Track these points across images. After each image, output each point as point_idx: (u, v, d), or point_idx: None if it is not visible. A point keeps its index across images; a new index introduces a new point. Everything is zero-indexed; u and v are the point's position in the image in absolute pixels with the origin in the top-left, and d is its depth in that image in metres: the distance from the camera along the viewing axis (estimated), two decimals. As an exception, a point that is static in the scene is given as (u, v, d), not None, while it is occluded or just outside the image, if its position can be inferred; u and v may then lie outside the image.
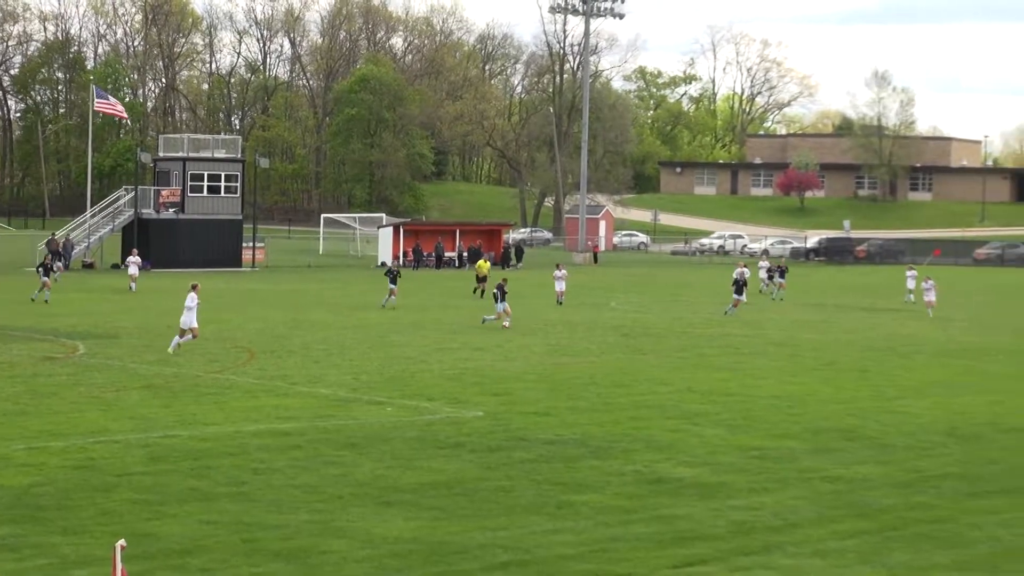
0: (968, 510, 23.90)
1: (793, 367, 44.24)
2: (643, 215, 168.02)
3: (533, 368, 42.38)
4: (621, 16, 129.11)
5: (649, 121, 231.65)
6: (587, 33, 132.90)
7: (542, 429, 31.00)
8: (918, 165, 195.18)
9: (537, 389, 37.63)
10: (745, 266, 70.23)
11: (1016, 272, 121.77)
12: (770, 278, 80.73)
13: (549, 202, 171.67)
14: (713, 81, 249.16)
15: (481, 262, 78.30)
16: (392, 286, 64.99)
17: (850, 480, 26.19)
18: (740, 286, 64.93)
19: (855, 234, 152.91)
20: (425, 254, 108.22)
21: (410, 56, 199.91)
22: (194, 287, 44.84)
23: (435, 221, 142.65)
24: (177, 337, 44.48)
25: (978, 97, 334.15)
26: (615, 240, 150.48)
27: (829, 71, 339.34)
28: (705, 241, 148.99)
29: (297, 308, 64.31)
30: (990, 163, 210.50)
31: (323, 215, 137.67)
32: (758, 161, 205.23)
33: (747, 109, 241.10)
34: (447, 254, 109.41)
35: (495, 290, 56.53)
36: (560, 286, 68.89)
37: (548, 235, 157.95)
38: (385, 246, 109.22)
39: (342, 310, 63.60)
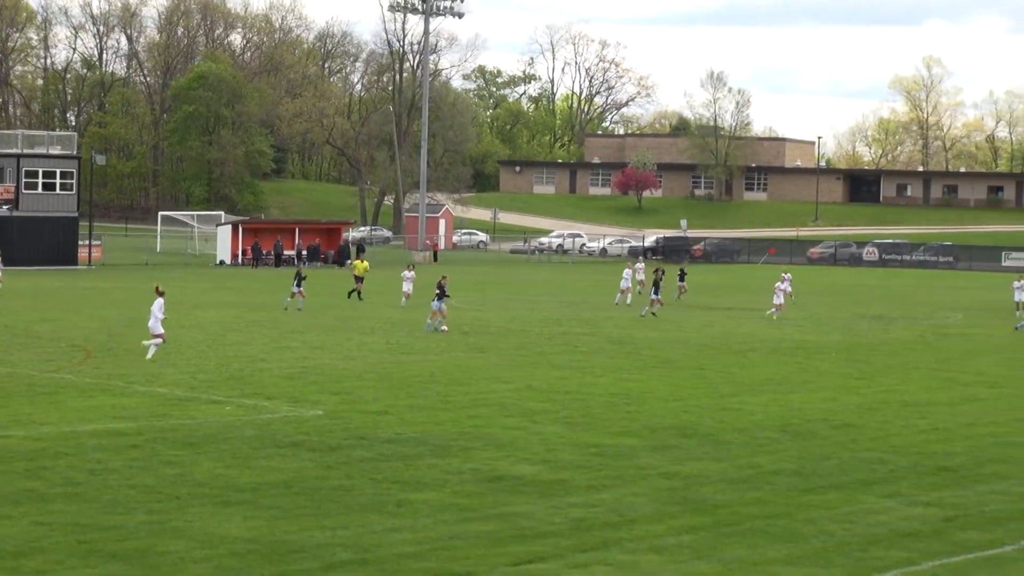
0: (802, 505, 24.26)
1: (631, 365, 44.59)
2: (483, 214, 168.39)
3: (373, 367, 42.29)
4: (461, 15, 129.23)
5: (489, 120, 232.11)
6: (427, 32, 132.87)
7: (382, 428, 30.95)
8: (753, 165, 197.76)
9: (377, 388, 37.56)
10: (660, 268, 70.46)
11: (848, 271, 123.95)
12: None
13: (389, 200, 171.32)
14: (552, 81, 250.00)
15: (358, 261, 75.02)
16: (297, 288, 63.37)
17: (686, 476, 26.46)
18: (657, 286, 65.47)
19: (692, 233, 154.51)
20: (264, 252, 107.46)
21: (249, 53, 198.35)
22: (161, 293, 43.83)
23: (274, 219, 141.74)
24: (159, 341, 43.34)
25: (812, 99, 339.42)
26: (455, 239, 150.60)
27: (667, 72, 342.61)
28: (544, 240, 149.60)
29: (134, 306, 63.47)
30: (823, 164, 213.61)
31: (161, 213, 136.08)
32: (597, 160, 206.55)
33: (586, 109, 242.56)
34: (286, 252, 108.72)
35: (436, 288, 54.82)
36: (407, 287, 68.24)
37: (388, 233, 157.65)
38: (224, 244, 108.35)
39: (180, 308, 62.91)
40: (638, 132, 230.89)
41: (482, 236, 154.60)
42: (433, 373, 40.96)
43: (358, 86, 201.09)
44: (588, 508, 23.56)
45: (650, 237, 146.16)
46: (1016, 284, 68.80)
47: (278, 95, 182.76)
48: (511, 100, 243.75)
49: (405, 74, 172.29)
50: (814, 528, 22.60)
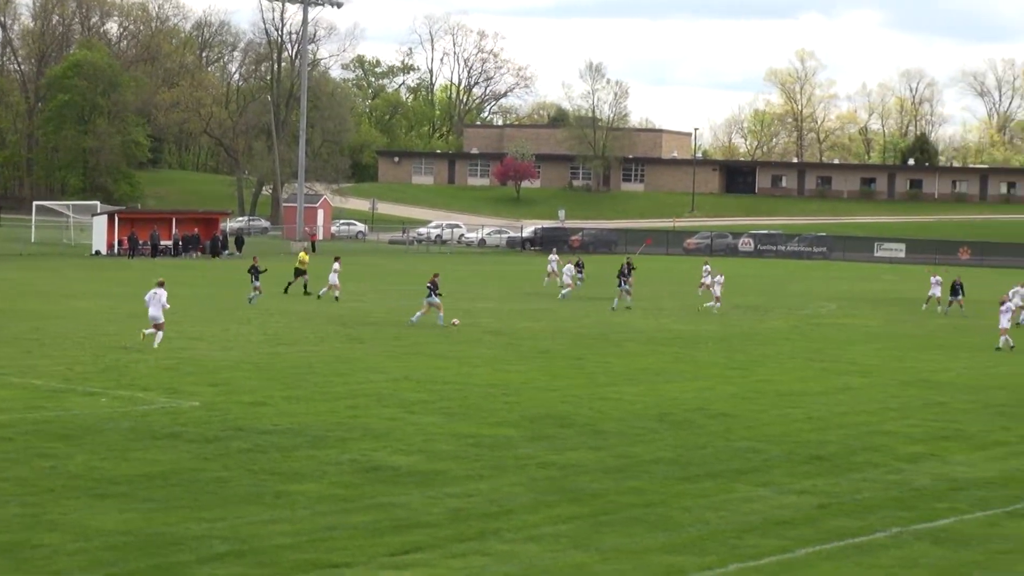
0: (678, 494, 24.43)
1: (509, 355, 44.65)
2: (361, 204, 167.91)
3: (250, 357, 42.03)
4: (339, 5, 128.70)
5: (367, 110, 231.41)
6: (305, 21, 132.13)
7: (259, 419, 30.77)
8: (631, 156, 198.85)
9: (254, 378, 37.33)
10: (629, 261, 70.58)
11: (724, 261, 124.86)
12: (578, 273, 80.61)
13: (267, 191, 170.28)
14: (431, 71, 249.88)
15: (302, 253, 72.48)
16: (256, 282, 62.61)
17: (564, 466, 26.55)
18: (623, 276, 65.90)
19: (570, 224, 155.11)
20: (140, 242, 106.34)
21: (125, 42, 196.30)
22: (161, 283, 44.71)
23: (151, 209, 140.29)
24: (159, 332, 43.74)
25: (689, 90, 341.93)
26: (333, 229, 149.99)
27: (545, 63, 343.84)
28: (423, 230, 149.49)
29: (8, 297, 62.67)
30: (700, 155, 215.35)
31: (35, 202, 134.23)
32: (475, 151, 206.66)
33: (464, 99, 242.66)
34: (163, 242, 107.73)
35: (428, 284, 54.38)
36: (333, 279, 66.04)
37: (266, 223, 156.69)
38: (99, 234, 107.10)
39: (55, 299, 62.19)
40: (517, 123, 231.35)
41: (361, 226, 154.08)
42: (311, 364, 40.78)
43: (236, 76, 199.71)
44: (466, 498, 23.56)
45: (528, 227, 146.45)
46: (934, 279, 69.29)
47: (155, 84, 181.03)
48: (390, 90, 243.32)
49: (283, 64, 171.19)
50: (690, 516, 22.76)
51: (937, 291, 68.22)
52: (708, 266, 79.18)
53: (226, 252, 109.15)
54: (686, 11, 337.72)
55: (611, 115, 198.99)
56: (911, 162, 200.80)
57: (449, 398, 34.72)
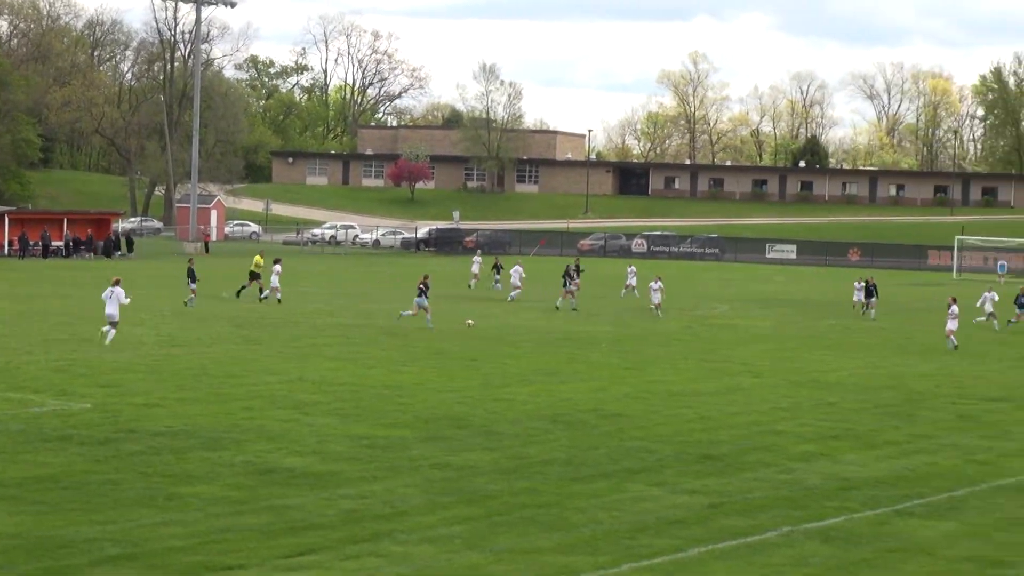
0: (572, 494, 24.49)
1: (404, 356, 44.58)
2: (255, 205, 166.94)
3: (143, 359, 41.66)
4: (232, 4, 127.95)
5: (261, 111, 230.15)
6: (198, 21, 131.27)
7: (152, 421, 30.50)
8: (525, 158, 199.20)
9: (147, 380, 37.02)
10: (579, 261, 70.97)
11: (617, 262, 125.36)
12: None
13: (160, 191, 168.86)
14: (325, 72, 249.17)
15: (257, 256, 70.18)
16: (192, 285, 61.86)
17: (459, 467, 26.54)
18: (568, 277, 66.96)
19: (464, 225, 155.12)
20: (31, 243, 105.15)
21: (16, 40, 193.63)
22: (117, 281, 46.14)
23: (42, 209, 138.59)
24: (112, 330, 45.11)
25: (582, 92, 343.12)
26: (227, 230, 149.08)
27: (439, 64, 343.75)
28: (317, 231, 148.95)
29: None
30: (594, 157, 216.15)
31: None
32: (370, 152, 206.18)
33: (359, 100, 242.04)
34: (54, 243, 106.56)
35: (419, 286, 54.78)
36: (275, 281, 65.41)
37: (159, 224, 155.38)
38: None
39: (-57, 300, 61.33)
40: (411, 124, 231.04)
41: (254, 227, 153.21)
42: (204, 365, 40.49)
43: (128, 75, 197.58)
44: (360, 500, 23.50)
45: (423, 229, 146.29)
46: (857, 284, 69.64)
47: (46, 83, 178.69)
48: (284, 91, 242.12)
49: (176, 63, 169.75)
50: (583, 517, 22.83)
51: (861, 296, 68.29)
52: (633, 268, 79.44)
53: (118, 253, 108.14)
54: (580, 13, 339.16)
55: (505, 116, 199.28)
56: (802, 164, 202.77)
57: (344, 399, 34.60)
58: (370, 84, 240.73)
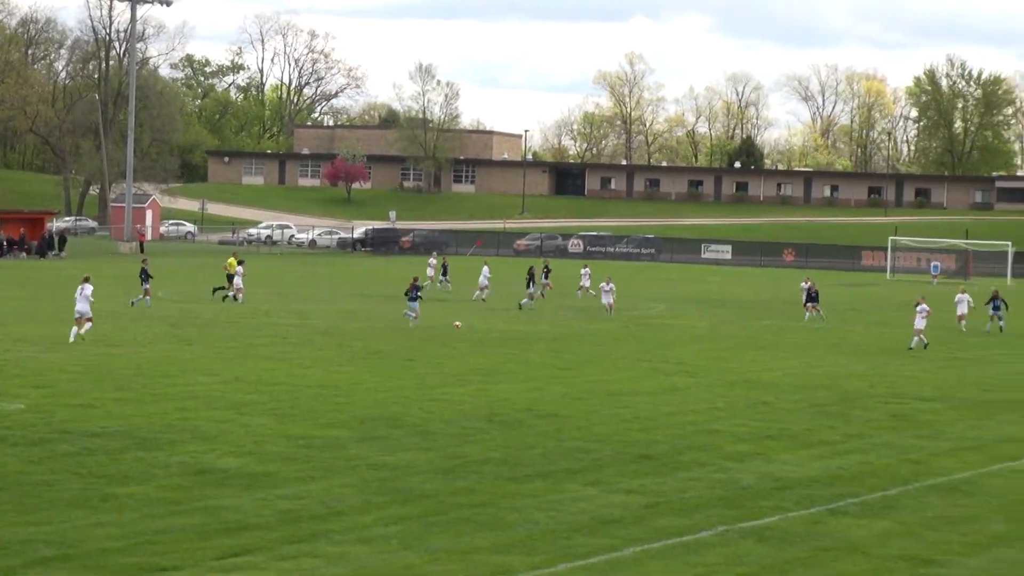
0: (507, 494, 24.50)
1: (340, 356, 44.50)
2: (191, 204, 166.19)
3: (77, 359, 41.38)
4: (168, 3, 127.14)
5: (197, 110, 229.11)
6: (133, 19, 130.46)
7: (86, 421, 30.31)
8: (462, 158, 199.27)
9: (81, 380, 36.78)
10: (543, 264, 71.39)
11: (553, 263, 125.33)
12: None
13: (94, 190, 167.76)
14: (261, 71, 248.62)
15: (231, 259, 68.41)
16: (145, 285, 61.49)
17: (395, 467, 26.51)
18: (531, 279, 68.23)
19: (400, 225, 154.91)
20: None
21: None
22: (87, 279, 47.84)
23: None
24: (75, 328, 46.28)
25: (519, 92, 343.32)
26: (162, 229, 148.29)
27: (376, 64, 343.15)
28: (253, 231, 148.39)
29: None
30: (530, 157, 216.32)
31: None
32: (306, 152, 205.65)
33: (295, 100, 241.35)
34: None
35: (412, 289, 55.72)
36: (238, 282, 65.29)
37: (93, 224, 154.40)
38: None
39: None
40: (348, 124, 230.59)
41: (190, 227, 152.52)
42: (140, 366, 40.27)
43: (63, 74, 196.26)
44: (296, 500, 23.43)
45: (359, 229, 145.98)
46: (804, 284, 69.43)
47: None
48: (220, 90, 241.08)
49: (111, 62, 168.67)
50: (519, 516, 22.84)
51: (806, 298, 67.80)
52: (587, 269, 79.36)
53: (52, 253, 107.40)
54: (517, 13, 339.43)
55: (442, 116, 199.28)
56: (737, 165, 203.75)
57: (280, 399, 34.50)
58: (306, 83, 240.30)
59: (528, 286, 68.32)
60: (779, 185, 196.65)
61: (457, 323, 55.49)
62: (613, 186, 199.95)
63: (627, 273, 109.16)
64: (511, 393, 37.02)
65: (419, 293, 56.38)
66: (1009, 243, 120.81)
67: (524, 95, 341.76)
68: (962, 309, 60.56)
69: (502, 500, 23.97)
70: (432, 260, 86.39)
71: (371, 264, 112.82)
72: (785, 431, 32.23)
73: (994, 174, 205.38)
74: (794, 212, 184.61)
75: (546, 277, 74.99)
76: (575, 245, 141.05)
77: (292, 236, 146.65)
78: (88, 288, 46.87)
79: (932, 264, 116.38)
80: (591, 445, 29.42)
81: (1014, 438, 32.44)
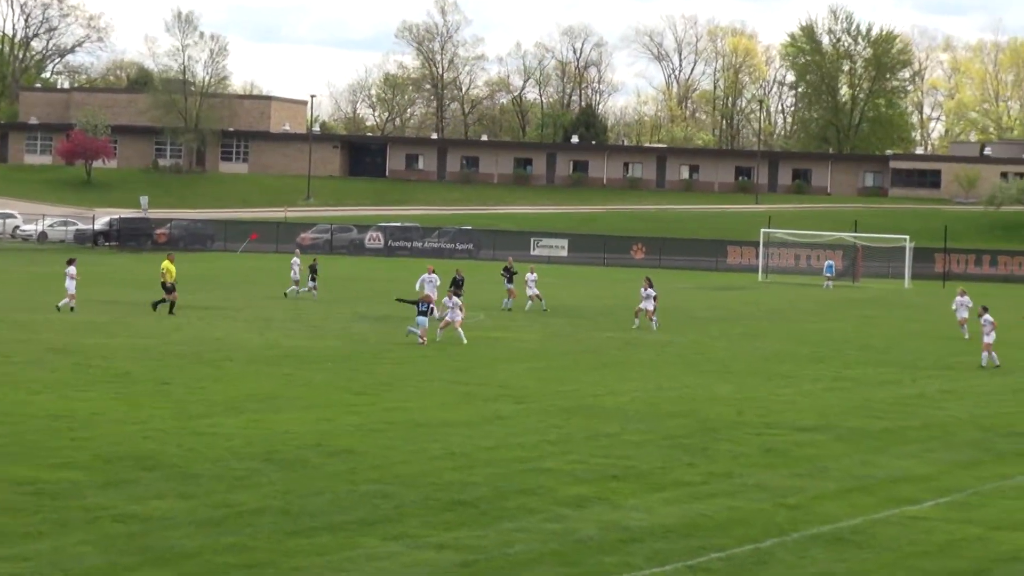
0: (289, 551, 24.41)
1: (78, 379, 44.03)
2: None
3: None
4: None
5: None
6: None
7: None
8: (232, 130, 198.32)
9: None
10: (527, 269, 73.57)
11: (347, 261, 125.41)
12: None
13: None
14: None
15: (167, 263, 67.86)
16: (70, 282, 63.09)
17: (147, 519, 26.28)
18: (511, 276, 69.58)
19: (154, 213, 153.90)
20: None
21: None
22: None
23: None
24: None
25: (303, 49, 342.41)
26: None
27: (123, 11, 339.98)
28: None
29: None
30: (318, 129, 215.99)
31: None
32: (34, 121, 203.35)
33: (20, 55, 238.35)
34: None
35: (423, 305, 57.74)
36: (70, 286, 66.44)
37: None
38: None
39: None
40: (88, 86, 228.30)
41: None
42: None
43: None
44: (22, 562, 23.14)
45: (102, 218, 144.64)
46: (644, 292, 70.02)
47: None
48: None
49: None
50: (304, 578, 22.81)
51: (648, 304, 68.06)
52: (534, 275, 78.78)
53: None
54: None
55: (207, 78, 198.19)
56: (575, 140, 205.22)
57: (0, 434, 34.06)
58: (35, 35, 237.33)
59: (509, 282, 70.07)
60: (626, 165, 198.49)
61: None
62: (421, 165, 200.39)
63: (438, 273, 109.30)
64: (293, 425, 36.90)
65: (431, 307, 58.70)
66: (907, 237, 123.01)
67: (310, 52, 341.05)
68: (962, 314, 63.83)
69: (282, 559, 23.89)
70: (296, 260, 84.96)
71: (117, 263, 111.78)
72: (633, 469, 32.47)
73: (888, 152, 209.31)
74: (645, 199, 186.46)
75: (510, 280, 76.90)
76: (374, 239, 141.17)
77: (17, 227, 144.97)
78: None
79: (826, 263, 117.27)
80: (392, 489, 29.42)
81: (911, 476, 33.01)
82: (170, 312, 66.20)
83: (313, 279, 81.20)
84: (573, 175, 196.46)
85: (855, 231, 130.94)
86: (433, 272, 70.61)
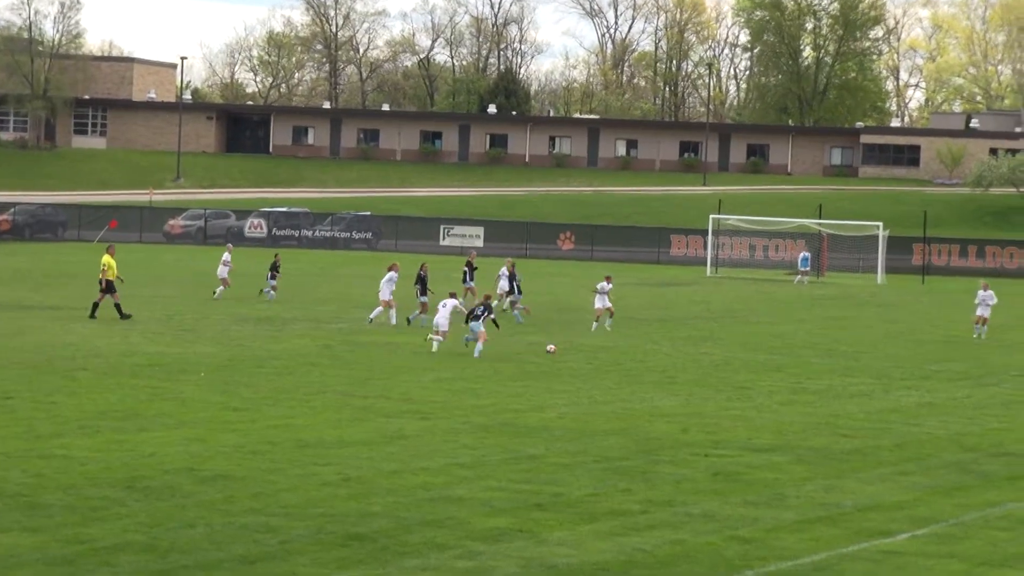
0: (153, 595, 24.40)
1: (-97, 393, 43.88)
2: None
3: None
4: None
5: None
6: None
7: None
8: (87, 98, 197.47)
9: None
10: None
11: (221, 251, 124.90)
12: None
13: None
14: None
15: (107, 257, 67.28)
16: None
17: (-14, 557, 26.23)
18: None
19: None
20: None
21: None
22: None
23: None
24: None
25: (172, 3, 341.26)
26: None
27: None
28: None
29: None
30: (189, 96, 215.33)
31: None
32: None
33: None
34: None
35: (479, 308, 58.45)
36: None
37: None
38: None
39: None
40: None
41: None
42: None
43: None
44: None
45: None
46: (599, 289, 70.01)
47: None
48: None
49: None
50: (172, 628, 22.81)
51: (601, 302, 67.92)
52: (511, 274, 78.16)
53: None
54: None
55: (57, 36, 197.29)
56: (492, 110, 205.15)
57: None
58: None
59: (419, 295, 68.76)
60: (552, 140, 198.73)
61: (550, 346, 58.17)
62: (312, 140, 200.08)
63: (330, 267, 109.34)
64: (160, 446, 36.83)
65: (488, 311, 58.78)
66: (880, 224, 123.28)
67: (180, 6, 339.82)
68: (982, 311, 64.86)
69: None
70: (227, 256, 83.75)
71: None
72: (560, 497, 32.55)
73: (858, 125, 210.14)
74: (574, 179, 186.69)
75: (471, 277, 76.90)
76: (255, 227, 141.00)
77: None
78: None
79: (801, 256, 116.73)
80: (277, 521, 29.40)
81: (883, 504, 33.16)
82: (122, 317, 65.84)
83: (273, 277, 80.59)
84: (490, 152, 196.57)
85: (820, 217, 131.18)
86: (392, 270, 69.26)
